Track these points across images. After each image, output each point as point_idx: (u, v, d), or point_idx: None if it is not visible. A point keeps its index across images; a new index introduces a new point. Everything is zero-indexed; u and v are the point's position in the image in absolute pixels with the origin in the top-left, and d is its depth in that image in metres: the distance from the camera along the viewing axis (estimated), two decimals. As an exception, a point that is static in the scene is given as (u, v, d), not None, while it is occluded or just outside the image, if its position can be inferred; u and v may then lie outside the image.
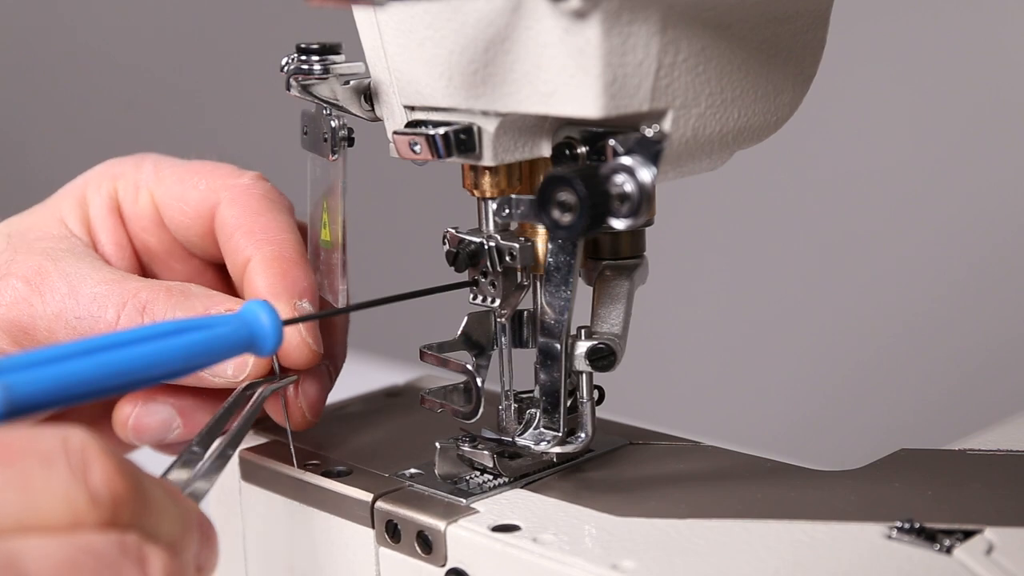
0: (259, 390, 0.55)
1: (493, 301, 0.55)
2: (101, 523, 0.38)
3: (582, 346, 0.53)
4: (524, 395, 0.56)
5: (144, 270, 0.63)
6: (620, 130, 0.49)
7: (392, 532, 0.53)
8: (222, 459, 0.50)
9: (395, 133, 0.54)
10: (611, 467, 0.57)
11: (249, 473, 0.59)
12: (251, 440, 0.61)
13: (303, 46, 0.56)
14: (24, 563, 0.35)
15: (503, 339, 0.56)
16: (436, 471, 0.56)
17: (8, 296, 0.58)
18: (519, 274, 0.55)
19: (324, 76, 0.56)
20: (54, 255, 0.59)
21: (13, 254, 0.60)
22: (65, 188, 0.64)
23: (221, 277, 0.63)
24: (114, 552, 0.37)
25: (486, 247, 0.54)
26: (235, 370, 0.55)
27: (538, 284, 0.55)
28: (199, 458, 0.50)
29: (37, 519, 0.37)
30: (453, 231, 0.55)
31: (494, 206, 0.54)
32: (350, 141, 0.58)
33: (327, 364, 0.59)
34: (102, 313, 0.57)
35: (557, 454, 0.55)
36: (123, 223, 0.62)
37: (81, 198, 0.62)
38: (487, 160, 0.52)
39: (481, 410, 0.55)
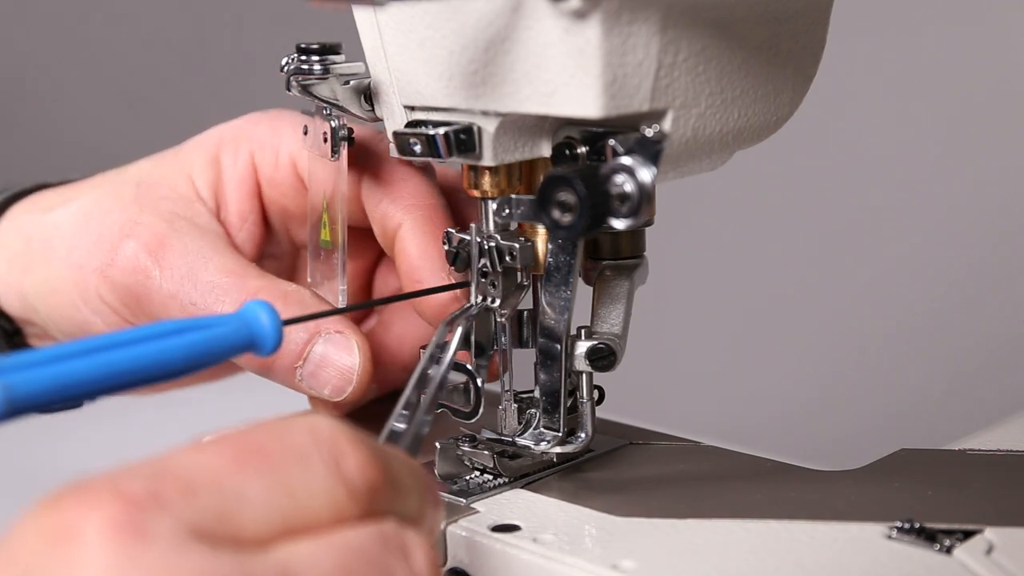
0: (457, 324, 0.55)
1: (493, 301, 0.55)
2: (361, 515, 0.37)
3: (582, 346, 0.53)
4: (524, 395, 0.56)
5: (276, 232, 0.64)
6: (620, 130, 0.49)
7: (392, 532, 0.53)
8: (438, 397, 0.52)
9: (395, 133, 0.54)
10: (611, 467, 0.57)
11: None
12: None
13: (303, 46, 0.56)
14: (297, 573, 0.35)
15: (503, 339, 0.56)
16: (436, 471, 0.56)
17: (127, 260, 0.59)
18: (519, 274, 0.55)
19: (324, 76, 0.56)
20: (177, 225, 0.60)
21: (139, 211, 0.60)
22: (197, 141, 0.64)
23: (363, 239, 0.63)
24: (378, 548, 0.37)
25: (486, 247, 0.54)
26: (332, 391, 0.57)
27: (538, 284, 0.55)
28: (414, 407, 0.51)
29: (302, 521, 0.36)
30: (453, 231, 0.56)
31: (494, 206, 0.54)
32: (350, 141, 0.58)
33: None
34: (218, 306, 0.57)
35: (557, 454, 0.55)
36: (256, 193, 0.63)
37: (214, 159, 0.63)
38: (487, 160, 0.52)
39: (481, 410, 0.55)
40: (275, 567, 0.34)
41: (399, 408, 0.52)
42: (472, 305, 0.55)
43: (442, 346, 0.53)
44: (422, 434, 0.51)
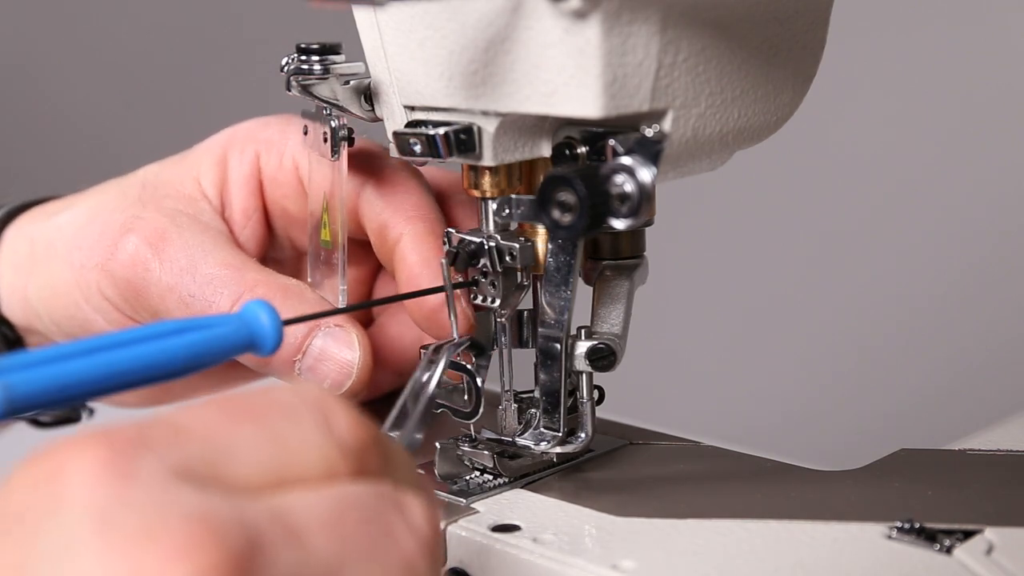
0: (443, 352, 0.55)
1: (493, 301, 0.55)
2: (352, 473, 0.36)
3: (582, 346, 0.53)
4: (524, 395, 0.56)
5: (278, 236, 0.64)
6: (620, 130, 0.49)
7: (392, 532, 0.53)
8: (427, 416, 0.52)
9: (395, 133, 0.54)
10: (611, 467, 0.57)
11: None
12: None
13: (303, 46, 0.56)
14: (293, 518, 0.34)
15: (503, 339, 0.56)
16: (436, 471, 0.56)
17: (128, 254, 0.59)
18: (519, 274, 0.55)
19: (324, 76, 0.56)
20: (179, 220, 0.60)
21: (142, 207, 0.61)
22: (206, 144, 0.64)
23: (362, 250, 0.63)
24: (374, 501, 0.36)
25: (486, 247, 0.54)
26: (331, 385, 0.57)
27: (538, 284, 0.55)
28: (405, 419, 0.52)
29: (294, 473, 0.35)
30: (453, 231, 0.56)
31: (494, 206, 0.54)
32: (350, 141, 0.58)
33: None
34: (216, 298, 0.58)
35: (557, 454, 0.55)
36: (259, 191, 0.63)
37: (221, 159, 0.63)
38: (487, 160, 0.52)
39: (481, 410, 0.55)
40: (268, 511, 0.33)
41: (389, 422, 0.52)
42: (454, 340, 0.55)
43: (426, 373, 0.54)
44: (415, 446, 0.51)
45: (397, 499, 0.36)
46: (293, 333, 0.56)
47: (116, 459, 0.32)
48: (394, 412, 0.52)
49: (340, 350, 0.57)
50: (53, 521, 0.31)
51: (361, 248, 0.63)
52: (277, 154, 0.62)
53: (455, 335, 0.56)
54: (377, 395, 0.63)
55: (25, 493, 0.33)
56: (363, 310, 0.66)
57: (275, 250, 0.65)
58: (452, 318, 0.56)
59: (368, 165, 0.60)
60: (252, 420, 0.36)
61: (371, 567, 0.34)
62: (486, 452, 0.55)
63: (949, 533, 0.48)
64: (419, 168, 0.61)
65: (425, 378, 0.53)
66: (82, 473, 0.32)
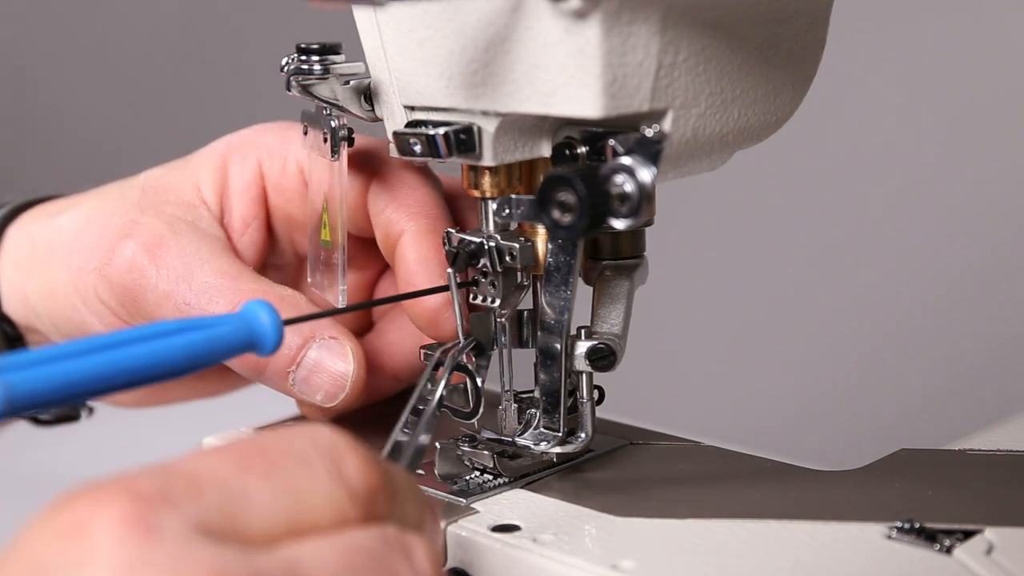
0: (449, 356, 0.55)
1: (493, 301, 0.55)
2: (362, 518, 0.38)
3: (582, 346, 0.53)
4: (524, 395, 0.56)
5: (280, 242, 0.64)
6: (620, 130, 0.49)
7: (392, 532, 0.53)
8: (433, 419, 0.52)
9: (395, 133, 0.54)
10: (611, 467, 0.57)
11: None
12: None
13: (303, 46, 0.56)
14: (304, 569, 0.35)
15: (503, 339, 0.56)
16: (436, 471, 0.56)
17: (125, 259, 0.59)
18: (519, 274, 0.55)
19: (324, 76, 0.56)
20: (177, 227, 0.60)
21: (140, 213, 0.61)
22: (206, 150, 0.64)
23: (366, 251, 0.63)
24: (381, 547, 0.37)
25: (486, 247, 0.54)
26: (324, 397, 0.57)
27: (538, 284, 0.54)
28: (413, 424, 0.52)
29: (306, 521, 0.37)
30: (453, 231, 0.56)
31: (494, 206, 0.54)
32: (350, 141, 0.58)
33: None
34: (212, 307, 0.58)
35: (557, 454, 0.55)
36: (261, 198, 0.63)
37: (221, 166, 0.63)
38: (487, 160, 0.52)
39: (481, 410, 0.55)
40: (281, 564, 0.35)
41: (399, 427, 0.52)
42: (454, 344, 0.55)
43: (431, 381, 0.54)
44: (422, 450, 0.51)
45: (403, 543, 0.38)
46: (288, 344, 0.56)
47: (139, 516, 0.33)
48: (401, 419, 0.52)
49: (334, 362, 0.57)
50: (77, 575, 0.32)
51: (364, 251, 0.63)
52: (280, 160, 0.62)
53: (461, 338, 0.56)
54: (376, 400, 0.63)
55: (49, 544, 0.33)
56: (363, 314, 0.66)
57: (276, 256, 0.65)
58: (459, 322, 0.56)
59: (375, 161, 0.60)
60: (266, 468, 0.37)
61: None
62: (486, 452, 0.55)
63: (949, 533, 0.48)
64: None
65: (431, 384, 0.53)
66: (107, 529, 0.33)
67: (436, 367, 0.55)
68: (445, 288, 0.57)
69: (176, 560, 0.32)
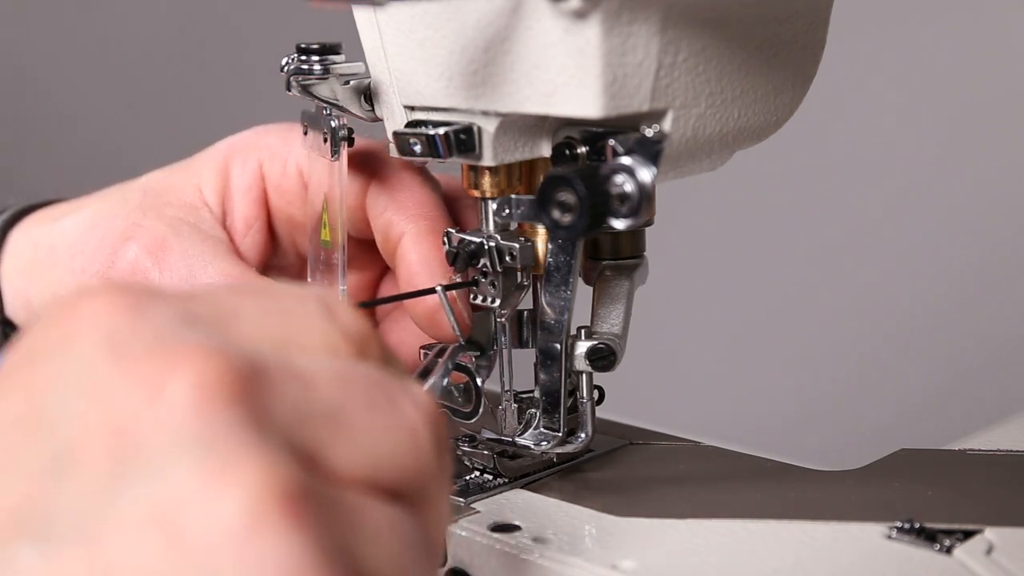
0: (447, 355, 0.55)
1: (493, 301, 0.55)
2: (354, 356, 0.36)
3: (582, 346, 0.53)
4: (524, 395, 0.56)
5: (282, 243, 0.64)
6: (620, 130, 0.49)
7: (392, 532, 0.53)
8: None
9: (395, 133, 0.54)
10: (611, 467, 0.57)
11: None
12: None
13: (303, 46, 0.56)
14: (299, 366, 0.34)
15: (503, 339, 0.56)
16: (436, 471, 0.56)
17: (128, 262, 0.59)
18: (519, 274, 0.55)
19: (324, 76, 0.56)
20: (179, 229, 0.60)
21: (142, 215, 0.61)
22: (207, 152, 0.64)
23: (367, 253, 0.63)
24: (378, 375, 0.36)
25: (486, 247, 0.54)
26: None
27: (538, 284, 0.54)
28: None
29: (297, 345, 0.35)
30: (453, 231, 0.56)
31: (494, 206, 0.54)
32: (350, 141, 0.58)
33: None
34: None
35: (557, 454, 0.55)
36: (262, 200, 0.63)
37: (223, 168, 0.63)
38: (487, 160, 0.52)
39: (481, 410, 0.55)
40: (273, 355, 0.33)
41: None
42: (449, 345, 0.55)
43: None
44: None
45: (401, 379, 0.36)
46: None
47: (127, 301, 0.33)
48: None
49: None
50: (65, 351, 0.32)
51: (364, 252, 0.63)
52: (280, 162, 0.63)
53: (460, 339, 0.56)
54: None
55: (39, 332, 0.33)
56: (366, 314, 0.66)
57: (278, 257, 0.65)
58: (453, 321, 0.56)
59: (374, 163, 0.60)
60: (260, 294, 0.36)
61: (374, 419, 0.34)
62: (486, 452, 0.55)
63: (949, 533, 0.48)
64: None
65: (430, 382, 0.53)
66: (95, 309, 0.32)
67: (423, 373, 0.54)
68: (447, 288, 0.57)
69: (162, 332, 0.32)
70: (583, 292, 0.54)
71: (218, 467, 0.30)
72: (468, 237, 0.55)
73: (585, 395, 0.55)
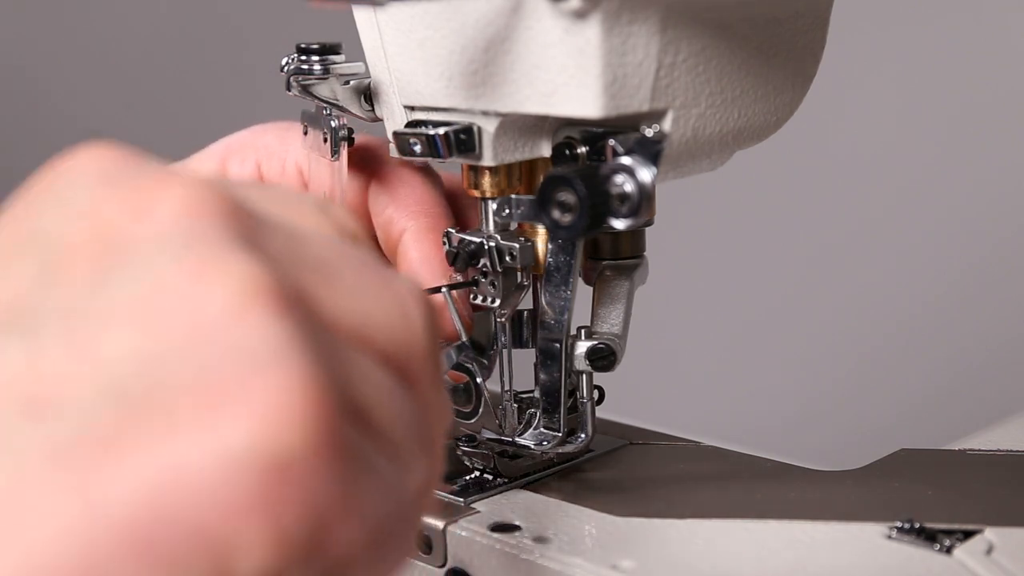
0: (446, 354, 0.55)
1: (493, 301, 0.55)
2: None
3: (582, 346, 0.53)
4: (524, 395, 0.56)
5: None
6: (620, 130, 0.49)
7: (392, 532, 0.53)
8: None
9: (395, 133, 0.54)
10: (611, 467, 0.57)
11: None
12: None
13: (303, 46, 0.56)
14: (293, 226, 0.34)
15: (503, 339, 0.56)
16: (436, 471, 0.56)
17: None
18: (519, 274, 0.55)
19: (324, 76, 0.56)
20: None
21: None
22: (205, 152, 0.64)
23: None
24: (370, 257, 0.35)
25: (486, 247, 0.54)
26: None
27: (538, 284, 0.55)
28: None
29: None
30: (453, 231, 0.56)
31: (494, 206, 0.54)
32: (350, 141, 0.58)
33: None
34: None
35: (557, 454, 0.55)
36: None
37: (220, 168, 0.63)
38: (487, 160, 0.52)
39: (481, 410, 0.55)
40: (271, 213, 0.34)
41: None
42: (451, 343, 0.55)
43: None
44: None
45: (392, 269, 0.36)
46: None
47: (125, 150, 0.33)
48: None
49: None
50: (60, 183, 0.32)
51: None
52: (279, 161, 0.62)
53: (463, 338, 0.56)
54: None
55: (38, 175, 0.33)
56: None
57: None
58: (456, 320, 0.56)
59: (375, 160, 0.60)
60: (262, 186, 0.36)
61: (363, 280, 0.33)
62: (486, 452, 0.55)
63: (949, 533, 0.48)
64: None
65: None
66: (91, 154, 0.33)
67: None
68: (445, 287, 0.57)
69: (156, 172, 0.32)
70: (583, 292, 0.54)
71: (204, 263, 0.30)
72: (468, 237, 0.55)
73: (585, 395, 0.55)
